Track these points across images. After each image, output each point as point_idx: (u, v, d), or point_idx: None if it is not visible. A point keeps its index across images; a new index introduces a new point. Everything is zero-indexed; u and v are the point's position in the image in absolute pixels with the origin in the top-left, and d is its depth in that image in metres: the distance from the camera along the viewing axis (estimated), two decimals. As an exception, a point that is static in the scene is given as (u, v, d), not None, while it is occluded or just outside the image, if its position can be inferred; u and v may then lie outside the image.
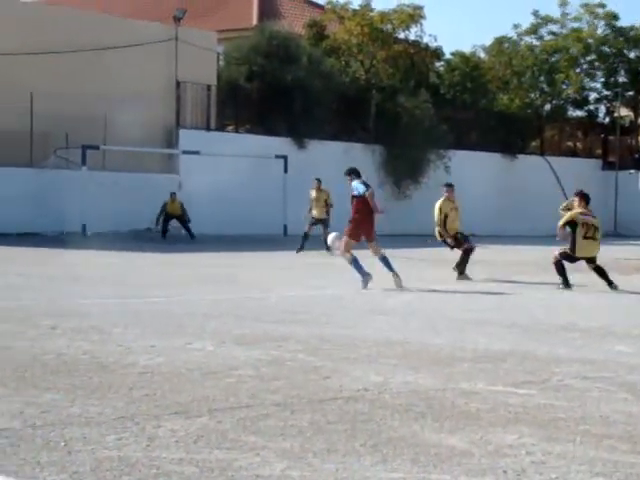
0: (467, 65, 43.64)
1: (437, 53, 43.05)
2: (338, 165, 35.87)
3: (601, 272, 15.94)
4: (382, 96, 39.01)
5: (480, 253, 26.43)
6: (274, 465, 4.97)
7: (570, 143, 49.27)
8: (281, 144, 34.95)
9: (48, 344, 8.54)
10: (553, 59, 45.45)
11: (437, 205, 18.02)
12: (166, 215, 29.26)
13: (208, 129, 34.59)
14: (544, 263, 22.67)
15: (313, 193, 24.32)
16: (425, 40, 41.44)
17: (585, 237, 15.82)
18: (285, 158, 33.47)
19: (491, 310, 12.43)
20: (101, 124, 30.25)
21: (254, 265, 20.59)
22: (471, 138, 43.36)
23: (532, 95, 45.92)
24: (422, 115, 38.88)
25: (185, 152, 32.79)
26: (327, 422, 5.88)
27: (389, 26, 40.92)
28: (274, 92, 35.04)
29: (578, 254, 15.89)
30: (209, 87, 34.55)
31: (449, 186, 18.42)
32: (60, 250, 23.21)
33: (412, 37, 41.33)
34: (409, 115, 38.45)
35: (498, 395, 6.77)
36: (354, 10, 40.88)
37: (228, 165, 32.64)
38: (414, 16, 40.63)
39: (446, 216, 17.87)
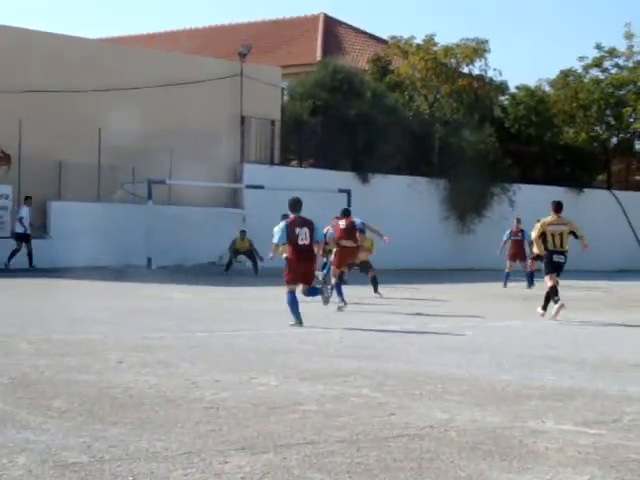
0: (532, 99, 43.38)
1: (502, 87, 42.87)
2: (402, 199, 36.06)
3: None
4: (446, 130, 38.94)
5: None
6: (341, 503, 4.94)
7: (638, 177, 48.63)
8: (344, 178, 35.02)
9: (115, 378, 8.61)
10: (619, 92, 45.01)
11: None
12: (235, 251, 29.38)
13: (272, 164, 34.80)
14: (611, 299, 22.38)
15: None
16: (489, 74, 41.35)
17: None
18: (349, 192, 33.52)
19: (558, 347, 12.25)
20: (167, 159, 30.62)
21: (318, 299, 20.54)
22: (536, 172, 43.02)
23: (598, 129, 45.50)
24: (486, 149, 38.71)
25: (249, 186, 33.02)
26: (393, 460, 5.84)
27: (453, 60, 40.88)
28: (338, 127, 35.15)
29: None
30: (273, 122, 34.80)
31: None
32: (126, 283, 23.44)
33: (476, 71, 41.26)
34: (473, 149, 38.31)
35: (567, 434, 6.66)
36: (418, 45, 40.95)
37: (292, 199, 32.77)
38: (478, 50, 40.55)
39: None
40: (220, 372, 9.11)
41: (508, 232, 26.88)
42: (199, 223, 30.54)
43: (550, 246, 16.53)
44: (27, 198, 27.74)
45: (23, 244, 27.20)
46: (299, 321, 14.04)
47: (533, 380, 9.08)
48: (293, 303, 14.08)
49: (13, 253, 27.10)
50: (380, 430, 6.67)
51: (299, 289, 14.36)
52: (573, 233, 16.73)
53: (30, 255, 27.20)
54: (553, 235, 16.47)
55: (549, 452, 6.12)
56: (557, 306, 15.90)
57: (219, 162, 32.30)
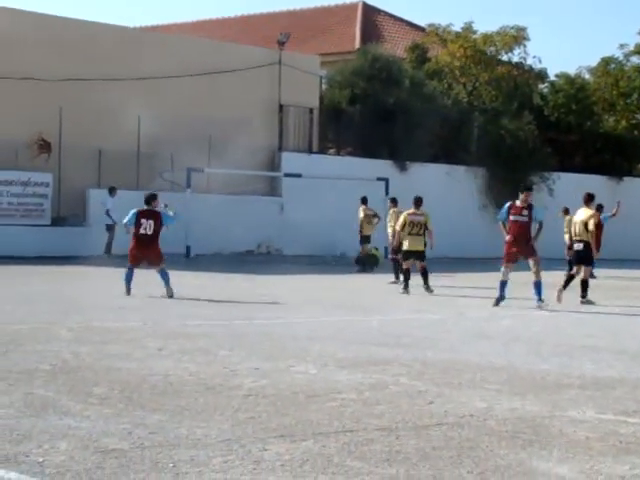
0: (572, 87, 43.00)
1: (541, 75, 42.53)
2: (439, 188, 35.91)
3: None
4: (484, 118, 38.70)
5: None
6: (380, 491, 4.94)
7: (678, 165, 48.09)
8: (382, 167, 34.94)
9: (155, 365, 8.66)
10: (661, 80, 44.49)
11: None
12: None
13: (310, 152, 34.79)
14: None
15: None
16: (529, 62, 41.04)
17: None
18: (386, 181, 33.43)
19: (598, 335, 12.17)
20: (205, 147, 30.71)
21: (354, 287, 20.58)
22: (576, 161, 42.67)
23: (639, 116, 45.01)
24: (525, 137, 38.43)
25: (287, 175, 33.04)
26: (432, 448, 5.83)
27: (492, 48, 40.62)
28: (376, 115, 35.06)
29: None
30: (311, 110, 34.77)
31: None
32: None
33: (515, 59, 40.97)
34: (512, 137, 38.05)
35: (608, 424, 6.62)
36: (456, 33, 40.73)
37: (329, 188, 32.77)
38: (517, 38, 40.26)
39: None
40: (258, 360, 9.14)
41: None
42: (237, 211, 30.62)
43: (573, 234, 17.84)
44: (112, 189, 27.96)
45: (113, 232, 27.44)
46: (127, 291, 16.04)
47: (573, 369, 9.02)
48: (127, 276, 16.21)
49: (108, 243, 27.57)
50: (419, 418, 6.67)
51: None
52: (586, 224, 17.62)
53: (109, 244, 27.46)
54: (576, 224, 17.66)
55: (590, 441, 6.08)
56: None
57: (257, 150, 32.35)
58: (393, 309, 15.62)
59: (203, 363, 8.87)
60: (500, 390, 7.84)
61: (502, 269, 16.11)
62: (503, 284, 16.00)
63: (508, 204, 16.45)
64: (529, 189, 16.95)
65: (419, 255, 18.97)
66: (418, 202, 19.31)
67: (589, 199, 17.86)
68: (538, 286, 15.80)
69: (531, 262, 15.98)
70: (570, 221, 23.69)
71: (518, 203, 16.27)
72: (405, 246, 19.03)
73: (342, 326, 12.70)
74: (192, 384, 7.75)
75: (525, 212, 16.17)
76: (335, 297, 17.70)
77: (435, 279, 20.26)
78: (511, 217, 16.19)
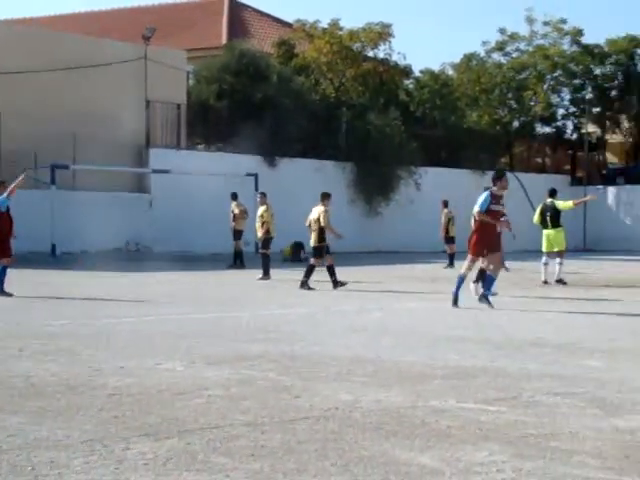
0: (436, 82, 43.89)
1: (406, 71, 43.27)
2: (308, 183, 36.11)
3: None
4: (352, 114, 39.13)
5: (448, 270, 26.52)
6: (244, 486, 4.93)
7: (539, 159, 49.69)
8: (251, 162, 34.96)
9: (15, 366, 8.45)
10: (521, 76, 45.80)
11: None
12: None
13: (178, 148, 34.56)
14: (515, 279, 22.79)
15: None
16: (394, 58, 41.76)
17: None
18: (256, 176, 33.48)
19: (463, 327, 12.42)
20: (70, 143, 30.12)
21: (225, 283, 20.54)
22: (441, 155, 43.55)
23: (500, 112, 46.24)
24: (392, 133, 39.00)
25: (155, 171, 32.71)
26: (297, 442, 5.85)
27: (358, 44, 41.11)
28: (244, 110, 35.06)
29: None
30: (179, 106, 34.53)
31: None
32: (29, 270, 23.03)
33: (381, 55, 41.61)
34: (379, 133, 38.56)
35: (469, 412, 6.76)
36: (323, 29, 41.05)
37: (198, 184, 32.59)
38: (383, 34, 40.85)
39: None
40: (125, 358, 9.02)
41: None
42: (104, 208, 30.16)
43: None
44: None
45: None
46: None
47: (437, 360, 9.18)
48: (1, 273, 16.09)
49: None
50: (285, 413, 6.68)
51: None
52: None
53: None
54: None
55: (451, 430, 6.21)
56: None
57: (124, 146, 31.95)
58: (263, 304, 15.62)
59: (66, 363, 8.70)
60: (366, 382, 7.92)
61: (467, 262, 14.72)
62: (462, 279, 14.64)
63: (489, 192, 14.67)
64: (504, 173, 15.20)
65: (313, 250, 18.74)
66: (322, 197, 19.00)
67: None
68: (491, 280, 14.74)
69: (494, 256, 14.68)
70: (446, 215, 24.61)
71: (495, 190, 14.63)
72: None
73: (211, 322, 12.64)
74: (54, 385, 7.59)
75: (502, 201, 14.77)
76: (206, 293, 17.61)
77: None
78: (492, 206, 14.52)
